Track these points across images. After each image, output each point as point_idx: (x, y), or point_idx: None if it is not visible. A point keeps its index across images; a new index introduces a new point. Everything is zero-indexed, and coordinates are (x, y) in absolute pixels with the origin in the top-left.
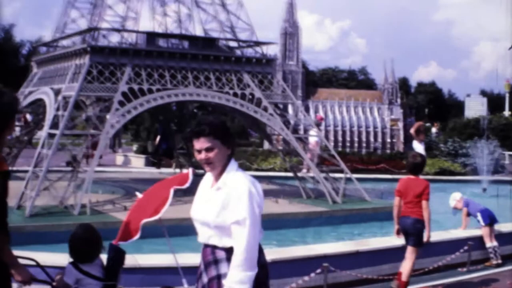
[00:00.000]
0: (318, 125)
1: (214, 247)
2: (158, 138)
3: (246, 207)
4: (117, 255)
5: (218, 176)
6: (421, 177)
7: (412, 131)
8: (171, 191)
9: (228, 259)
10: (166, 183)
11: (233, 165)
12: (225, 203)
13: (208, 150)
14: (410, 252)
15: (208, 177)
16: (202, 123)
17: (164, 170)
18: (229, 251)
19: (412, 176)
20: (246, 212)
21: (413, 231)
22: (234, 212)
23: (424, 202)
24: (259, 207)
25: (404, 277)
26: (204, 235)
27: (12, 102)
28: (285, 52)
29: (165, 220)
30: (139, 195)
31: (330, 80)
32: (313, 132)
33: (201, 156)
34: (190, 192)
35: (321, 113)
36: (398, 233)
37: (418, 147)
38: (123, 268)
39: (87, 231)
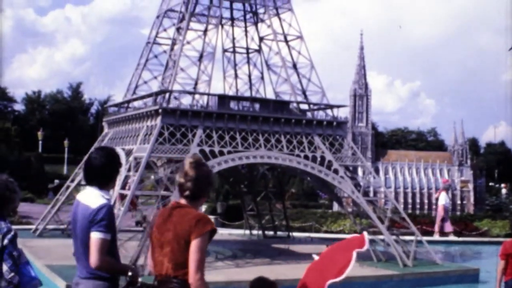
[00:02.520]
0: (447, 189)
1: None
2: None
3: None
4: None
5: None
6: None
7: None
8: (354, 254)
9: None
10: (345, 245)
11: None
12: None
13: None
14: None
15: None
16: None
17: (233, 231)
18: None
19: None
20: None
21: None
22: None
23: None
24: None
25: None
26: None
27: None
28: (355, 114)
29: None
30: (316, 257)
31: (399, 141)
32: (441, 197)
33: None
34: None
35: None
36: None
37: None
38: None
39: None
